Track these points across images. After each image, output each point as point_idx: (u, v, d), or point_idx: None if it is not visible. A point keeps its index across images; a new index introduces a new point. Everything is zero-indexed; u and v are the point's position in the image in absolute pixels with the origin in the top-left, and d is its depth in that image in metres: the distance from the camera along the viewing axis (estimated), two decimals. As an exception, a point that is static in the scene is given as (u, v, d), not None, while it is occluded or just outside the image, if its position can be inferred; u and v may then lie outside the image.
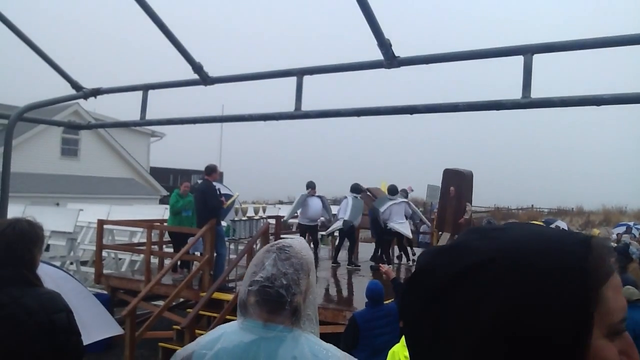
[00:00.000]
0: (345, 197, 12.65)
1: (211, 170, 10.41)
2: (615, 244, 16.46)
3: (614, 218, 32.26)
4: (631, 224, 21.25)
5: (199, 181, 10.71)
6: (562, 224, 19.73)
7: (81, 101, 4.92)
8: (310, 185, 12.88)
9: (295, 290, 1.80)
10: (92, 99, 4.47)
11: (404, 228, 12.34)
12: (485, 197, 43.85)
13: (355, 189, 12.71)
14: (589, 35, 2.57)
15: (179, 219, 10.96)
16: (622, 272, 9.08)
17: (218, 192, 10.33)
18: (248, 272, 1.85)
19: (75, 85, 4.24)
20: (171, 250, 11.38)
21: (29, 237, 2.53)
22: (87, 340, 2.66)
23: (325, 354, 1.80)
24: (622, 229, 20.27)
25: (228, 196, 10.58)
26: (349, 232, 12.51)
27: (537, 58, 2.66)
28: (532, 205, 41.99)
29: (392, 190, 12.63)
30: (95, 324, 3.41)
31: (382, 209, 12.23)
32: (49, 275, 3.80)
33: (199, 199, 10.15)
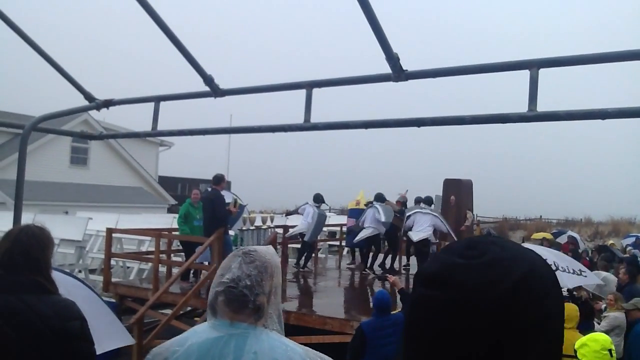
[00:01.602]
0: (371, 207, 12.78)
1: (219, 180, 10.49)
2: (624, 255, 16.42)
3: (623, 229, 32.07)
4: (640, 235, 21.10)
5: (209, 189, 10.77)
6: (575, 235, 19.65)
7: (91, 111, 4.99)
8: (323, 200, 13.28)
9: (258, 291, 1.94)
10: (103, 109, 4.53)
11: (415, 234, 12.39)
12: (493, 208, 43.70)
13: (381, 198, 12.96)
14: (594, 48, 2.61)
15: (191, 228, 11.00)
16: (632, 283, 9.03)
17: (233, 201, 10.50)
18: (216, 275, 2.01)
19: (88, 96, 4.30)
20: (179, 259, 11.42)
21: (42, 241, 2.57)
22: (98, 350, 2.69)
23: (285, 349, 1.93)
24: (631, 240, 20.17)
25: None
26: (393, 238, 13.04)
27: (542, 72, 2.71)
28: (541, 216, 41.79)
29: (427, 200, 13.18)
30: (107, 333, 3.44)
31: (407, 214, 12.77)
32: (61, 283, 3.84)
33: (207, 208, 10.22)
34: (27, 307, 2.33)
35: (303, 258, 13.32)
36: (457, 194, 14.24)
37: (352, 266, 14.00)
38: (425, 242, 12.32)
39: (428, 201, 13.10)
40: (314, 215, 12.77)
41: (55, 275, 3.72)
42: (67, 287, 3.46)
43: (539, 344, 0.74)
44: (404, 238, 13.03)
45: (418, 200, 13.36)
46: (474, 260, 0.76)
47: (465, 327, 0.72)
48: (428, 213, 12.57)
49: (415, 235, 12.28)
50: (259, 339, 1.92)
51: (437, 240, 14.77)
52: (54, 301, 2.44)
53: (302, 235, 13.04)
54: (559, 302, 0.79)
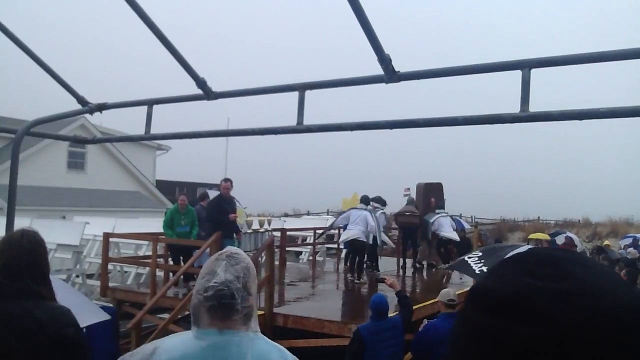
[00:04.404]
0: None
1: (210, 192, 10.57)
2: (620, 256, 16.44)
3: (621, 229, 32.03)
4: (638, 235, 21.10)
5: (207, 190, 10.87)
6: (573, 236, 19.69)
7: (87, 115, 4.98)
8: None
9: (249, 293, 1.89)
10: (98, 113, 4.52)
11: (453, 234, 14.18)
12: (491, 209, 43.70)
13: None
14: (586, 48, 2.61)
15: (175, 234, 10.92)
16: (632, 284, 9.03)
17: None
18: (199, 281, 1.90)
19: (81, 100, 4.29)
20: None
21: (43, 246, 2.58)
22: (82, 322, 2.70)
23: (279, 354, 1.89)
24: (628, 241, 20.17)
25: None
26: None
27: (535, 72, 2.70)
28: (539, 217, 41.78)
29: (441, 206, 14.92)
30: (82, 312, 3.45)
31: (431, 220, 14.25)
32: None
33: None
34: (26, 313, 2.33)
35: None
36: (436, 197, 15.93)
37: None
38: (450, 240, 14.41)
39: (441, 206, 14.89)
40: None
41: None
42: None
43: None
44: (440, 237, 14.40)
45: (365, 200, 12.87)
46: (560, 284, 0.62)
47: None
48: (446, 215, 14.57)
49: (454, 236, 14.15)
50: (254, 344, 1.85)
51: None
52: (50, 308, 2.43)
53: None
54: None
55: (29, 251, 2.48)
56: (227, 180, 10.25)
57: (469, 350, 0.64)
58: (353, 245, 12.27)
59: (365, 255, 12.91)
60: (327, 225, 15.25)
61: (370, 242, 12.61)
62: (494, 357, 0.61)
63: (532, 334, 0.59)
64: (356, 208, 12.25)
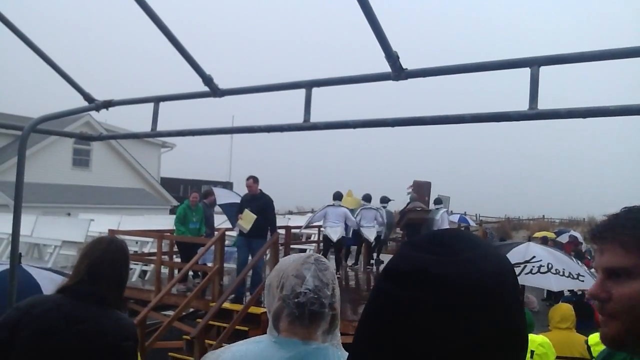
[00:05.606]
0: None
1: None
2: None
3: (625, 228, 31.88)
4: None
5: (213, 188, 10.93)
6: (577, 235, 19.66)
7: (93, 112, 4.98)
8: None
9: (336, 300, 1.80)
10: (104, 110, 4.51)
11: None
12: (495, 207, 43.67)
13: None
14: (596, 45, 2.59)
15: (187, 230, 10.99)
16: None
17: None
18: (285, 283, 1.77)
19: (87, 97, 4.27)
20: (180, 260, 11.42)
21: (127, 256, 2.63)
22: None
23: None
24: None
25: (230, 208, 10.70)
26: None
27: (543, 69, 2.68)
28: (543, 216, 41.71)
29: (438, 201, 14.97)
30: None
31: (436, 217, 14.18)
32: (52, 279, 3.89)
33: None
34: (91, 318, 2.36)
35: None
36: (428, 195, 17.11)
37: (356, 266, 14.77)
38: None
39: (438, 201, 14.91)
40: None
41: (43, 273, 3.76)
42: (43, 279, 3.54)
43: (507, 344, 0.79)
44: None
45: (338, 196, 12.86)
46: (445, 257, 0.80)
47: (441, 325, 0.76)
48: (444, 211, 14.80)
49: None
50: (342, 357, 1.75)
51: None
52: (116, 317, 2.46)
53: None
54: (520, 305, 0.84)
55: (114, 258, 2.52)
56: (248, 178, 9.98)
57: (381, 312, 0.81)
58: (339, 243, 12.45)
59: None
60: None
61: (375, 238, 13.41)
62: (399, 317, 0.77)
63: (424, 296, 0.76)
64: (333, 205, 12.21)
